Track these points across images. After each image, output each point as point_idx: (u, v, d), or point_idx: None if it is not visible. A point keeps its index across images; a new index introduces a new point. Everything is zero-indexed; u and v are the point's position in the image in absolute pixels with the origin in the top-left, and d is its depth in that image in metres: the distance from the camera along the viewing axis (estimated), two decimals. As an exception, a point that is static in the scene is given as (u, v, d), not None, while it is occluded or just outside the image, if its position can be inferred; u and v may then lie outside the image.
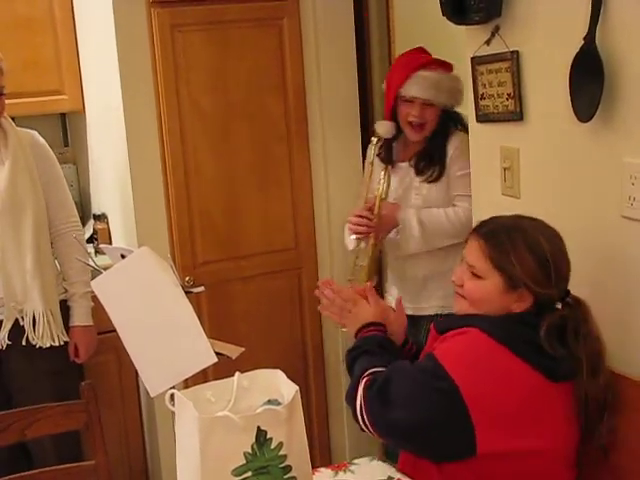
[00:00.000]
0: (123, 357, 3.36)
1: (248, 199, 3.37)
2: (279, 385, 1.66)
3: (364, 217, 2.92)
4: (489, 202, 2.45)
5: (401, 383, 1.79)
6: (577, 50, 1.94)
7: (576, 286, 1.90)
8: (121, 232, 3.47)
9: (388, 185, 2.96)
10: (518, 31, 2.21)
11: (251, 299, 3.43)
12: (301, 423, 1.57)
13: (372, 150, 3.02)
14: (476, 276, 1.85)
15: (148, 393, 3.23)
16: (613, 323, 1.96)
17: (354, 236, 2.96)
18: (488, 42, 2.31)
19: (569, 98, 1.99)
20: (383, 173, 2.97)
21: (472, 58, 2.39)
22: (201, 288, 2.32)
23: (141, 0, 3.08)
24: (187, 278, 3.23)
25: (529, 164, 2.26)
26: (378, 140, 3.00)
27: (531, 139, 2.23)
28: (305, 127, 3.42)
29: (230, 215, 3.34)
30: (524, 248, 1.80)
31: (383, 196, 2.95)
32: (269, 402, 1.61)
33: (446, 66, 2.94)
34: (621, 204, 1.93)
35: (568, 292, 1.87)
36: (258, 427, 1.50)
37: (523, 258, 1.79)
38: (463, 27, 2.38)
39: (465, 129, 2.84)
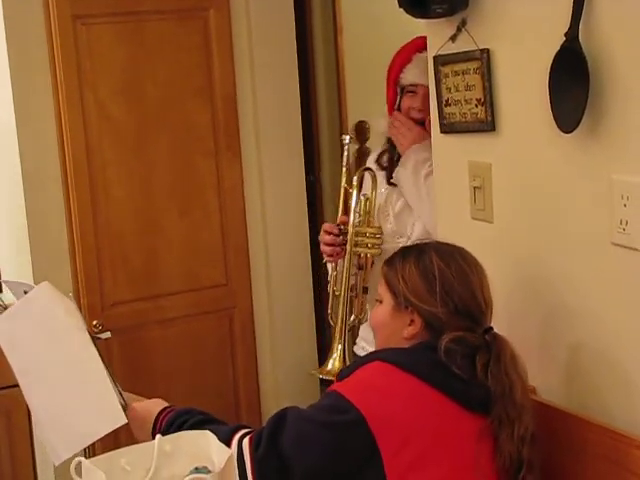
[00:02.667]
0: (15, 420, 3.38)
1: (168, 226, 3.36)
2: (208, 449, 1.65)
3: (331, 234, 2.80)
4: (456, 227, 2.47)
5: (296, 429, 1.85)
6: (558, 48, 1.96)
7: (559, 319, 1.93)
8: (13, 264, 3.42)
9: (374, 190, 2.83)
10: (489, 26, 2.24)
11: (172, 346, 3.41)
12: (235, 495, 1.56)
13: (346, 152, 2.87)
14: (380, 303, 2.07)
15: (46, 464, 3.21)
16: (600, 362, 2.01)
17: (325, 260, 2.88)
18: (453, 39, 2.35)
19: (549, 105, 2.02)
20: (371, 182, 2.83)
21: (435, 57, 2.42)
22: (107, 334, 2.30)
23: (36, -15, 3.08)
24: (94, 322, 3.19)
25: (503, 182, 2.28)
26: (351, 139, 2.89)
27: (505, 153, 2.26)
28: (237, 140, 3.43)
29: (146, 245, 3.33)
30: (413, 264, 2.00)
31: (365, 211, 2.80)
32: (197, 470, 1.60)
33: None
34: (611, 229, 1.96)
35: (489, 329, 2.00)
36: (184, 501, 1.48)
37: (409, 274, 2.00)
38: (424, 21, 2.41)
39: None
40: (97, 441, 1.86)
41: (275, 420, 1.89)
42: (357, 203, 2.78)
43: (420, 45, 2.79)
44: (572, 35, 1.93)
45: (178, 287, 3.41)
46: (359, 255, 2.79)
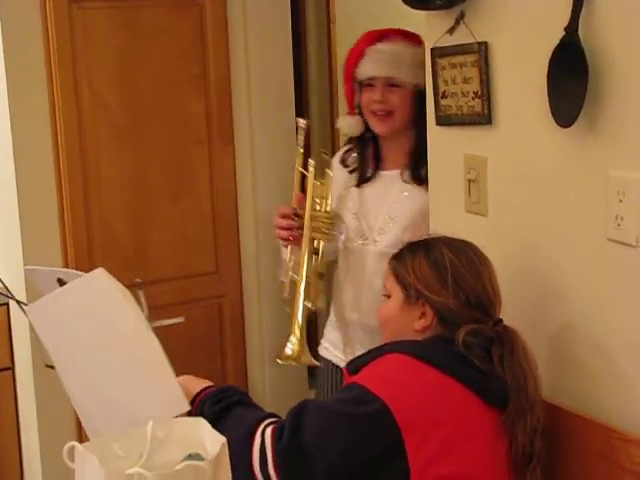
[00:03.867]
0: (3, 402, 3.38)
1: (159, 213, 3.35)
2: (202, 436, 1.64)
3: (286, 216, 2.76)
4: (450, 220, 2.47)
5: (319, 421, 1.83)
6: (557, 42, 1.96)
7: (553, 315, 1.97)
8: (1, 251, 3.41)
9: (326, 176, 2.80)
10: (487, 19, 2.24)
11: (161, 333, 3.38)
12: (228, 482, 1.56)
13: (301, 135, 2.81)
14: (387, 298, 2.07)
15: (32, 449, 3.19)
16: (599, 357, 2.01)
17: (282, 244, 2.84)
18: (451, 31, 2.34)
19: (547, 99, 2.02)
20: (311, 163, 2.79)
21: (432, 49, 2.42)
22: (180, 319, 2.29)
23: (31, -33, 3.05)
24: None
25: (498, 176, 2.28)
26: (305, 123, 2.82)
27: (501, 146, 2.26)
28: (230, 128, 3.43)
29: (137, 232, 3.32)
30: (422, 257, 2.02)
31: (322, 196, 2.78)
32: (190, 457, 1.59)
33: (413, 38, 2.79)
34: (606, 224, 1.96)
35: (499, 320, 2.01)
36: (178, 487, 1.47)
37: (419, 266, 2.01)
38: (422, 12, 2.41)
39: None
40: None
41: (297, 412, 1.86)
42: (313, 187, 2.76)
43: (373, 38, 2.79)
44: (572, 29, 1.93)
45: (167, 274, 3.40)
46: (313, 240, 2.76)
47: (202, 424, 1.66)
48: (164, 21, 3.25)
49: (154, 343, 1.82)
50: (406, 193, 2.77)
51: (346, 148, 2.95)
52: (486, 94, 2.26)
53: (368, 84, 2.78)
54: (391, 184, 2.81)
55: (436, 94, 2.44)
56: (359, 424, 1.80)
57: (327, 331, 3.02)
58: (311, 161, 2.78)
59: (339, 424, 1.81)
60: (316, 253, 2.77)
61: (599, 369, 2.02)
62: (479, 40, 2.25)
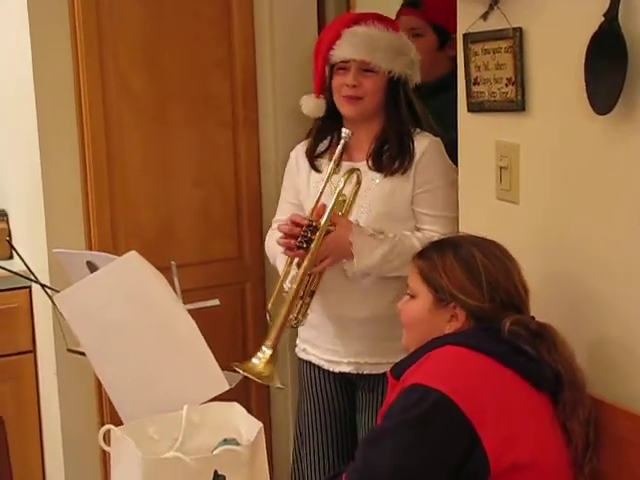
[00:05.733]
0: (24, 385, 3.38)
1: (183, 196, 3.33)
2: (237, 421, 1.65)
3: (301, 226, 2.58)
4: (480, 208, 2.46)
5: (391, 449, 1.80)
6: (595, 29, 1.95)
7: (587, 306, 1.98)
8: (25, 233, 3.41)
9: (355, 193, 2.65)
10: (522, 4, 2.23)
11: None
12: (264, 467, 1.57)
13: (341, 146, 2.65)
14: (411, 297, 2.06)
15: (54, 433, 3.20)
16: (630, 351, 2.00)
17: (281, 251, 2.67)
18: (485, 16, 2.33)
19: (584, 86, 2.01)
20: (345, 175, 2.63)
21: (465, 35, 2.41)
22: (215, 301, 2.29)
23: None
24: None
25: (531, 163, 2.27)
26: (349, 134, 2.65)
27: (534, 134, 2.25)
28: (255, 112, 3.41)
29: (160, 216, 3.30)
30: (453, 259, 2.00)
31: (341, 208, 2.64)
32: (225, 442, 1.59)
33: (390, 23, 2.76)
34: (642, 213, 1.95)
35: (532, 318, 2.01)
36: (215, 471, 1.48)
37: (451, 268, 1.99)
38: (455, -3, 2.40)
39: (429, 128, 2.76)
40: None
41: (360, 452, 1.86)
42: (335, 203, 2.60)
43: (350, 20, 2.75)
44: (611, 15, 1.92)
45: (190, 259, 3.38)
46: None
47: (237, 409, 1.66)
48: (190, 4, 3.23)
49: (191, 324, 1.82)
50: (377, 181, 2.73)
51: (310, 140, 2.88)
52: (520, 80, 2.25)
53: (341, 67, 2.74)
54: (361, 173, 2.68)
55: (468, 80, 2.43)
56: (426, 424, 1.79)
57: (303, 329, 2.92)
58: (344, 175, 2.63)
59: (410, 436, 1.80)
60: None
61: (635, 365, 2.01)
62: (514, 26, 2.23)
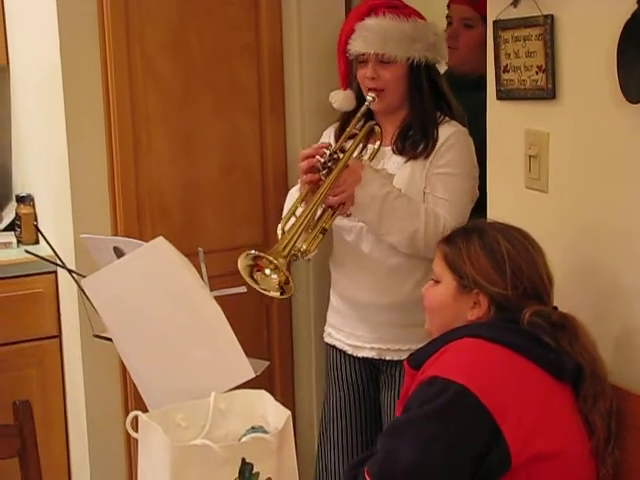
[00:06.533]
0: (49, 370, 3.40)
1: (209, 183, 3.34)
2: (264, 409, 1.64)
3: (323, 154, 2.60)
4: (508, 196, 2.45)
5: (412, 441, 1.79)
6: (628, 16, 1.93)
7: (615, 298, 1.98)
8: (51, 218, 3.42)
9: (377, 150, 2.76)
10: (553, -8, 2.21)
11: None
12: (292, 456, 1.56)
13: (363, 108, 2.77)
14: (435, 283, 2.07)
15: (78, 418, 3.22)
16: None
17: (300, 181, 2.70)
18: (515, 4, 2.32)
19: (615, 74, 1.99)
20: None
21: (495, 22, 2.39)
22: (242, 288, 2.28)
23: None
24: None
25: (561, 152, 2.26)
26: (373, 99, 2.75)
27: (565, 122, 2.23)
28: (281, 99, 3.41)
29: (187, 202, 3.31)
30: (478, 245, 1.99)
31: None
32: (253, 430, 1.59)
33: (401, 11, 2.76)
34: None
35: (555, 308, 2.02)
36: (243, 459, 1.48)
37: (475, 255, 1.99)
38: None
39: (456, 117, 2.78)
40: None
41: (381, 444, 1.85)
42: (363, 150, 2.75)
43: (362, 12, 2.77)
44: (645, 3, 1.90)
45: (216, 245, 3.37)
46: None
47: (264, 396, 1.66)
48: (217, -12, 3.23)
49: (217, 311, 1.82)
50: (400, 165, 2.75)
51: (338, 125, 2.91)
52: (550, 68, 2.23)
53: (361, 60, 2.78)
54: (387, 159, 2.78)
55: (497, 68, 2.42)
56: (447, 416, 1.78)
57: (329, 315, 3.01)
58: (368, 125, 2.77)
59: (431, 428, 1.79)
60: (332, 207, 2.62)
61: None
62: (545, 13, 2.21)
